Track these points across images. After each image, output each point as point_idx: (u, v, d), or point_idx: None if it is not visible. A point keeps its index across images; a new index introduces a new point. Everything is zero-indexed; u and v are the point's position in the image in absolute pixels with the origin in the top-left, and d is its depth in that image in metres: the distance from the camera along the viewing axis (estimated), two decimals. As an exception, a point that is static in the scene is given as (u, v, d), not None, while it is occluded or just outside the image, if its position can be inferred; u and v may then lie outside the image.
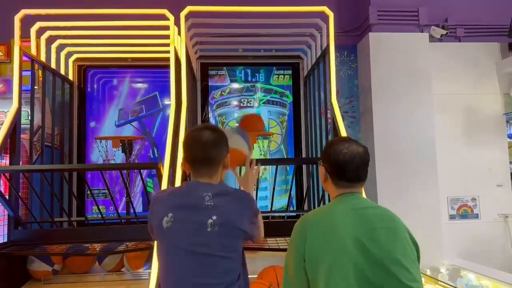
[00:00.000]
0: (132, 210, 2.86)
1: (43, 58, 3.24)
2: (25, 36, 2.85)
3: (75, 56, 3.85)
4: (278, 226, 2.29)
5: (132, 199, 3.57)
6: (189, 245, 1.37)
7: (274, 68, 4.18)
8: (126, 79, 4.06)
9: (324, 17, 2.97)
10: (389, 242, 1.28)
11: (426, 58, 3.92)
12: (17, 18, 2.79)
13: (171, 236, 1.39)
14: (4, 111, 3.56)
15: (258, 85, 4.17)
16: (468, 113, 4.14)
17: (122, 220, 2.75)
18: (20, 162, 2.79)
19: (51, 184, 2.69)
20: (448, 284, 3.02)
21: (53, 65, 3.41)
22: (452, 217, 4.01)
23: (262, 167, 2.98)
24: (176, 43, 2.96)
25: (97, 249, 2.64)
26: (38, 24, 3.09)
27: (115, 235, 2.62)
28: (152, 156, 4.00)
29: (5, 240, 2.60)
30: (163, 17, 2.91)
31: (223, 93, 4.13)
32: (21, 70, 2.77)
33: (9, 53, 3.85)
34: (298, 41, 3.81)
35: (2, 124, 2.92)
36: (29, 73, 2.91)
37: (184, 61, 2.89)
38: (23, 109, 2.84)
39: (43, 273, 2.66)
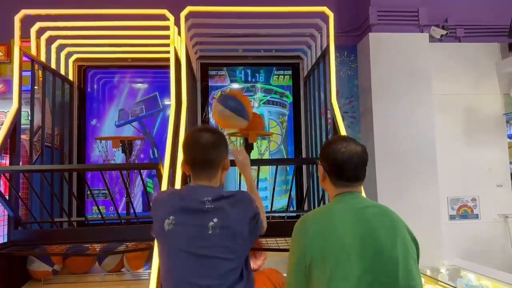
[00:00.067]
0: (132, 211, 2.86)
1: (43, 58, 3.24)
2: (25, 36, 2.85)
3: (75, 56, 3.85)
4: (278, 226, 2.28)
5: (132, 200, 3.57)
6: (190, 247, 1.37)
7: (274, 68, 4.18)
8: (126, 79, 4.06)
9: (324, 17, 2.97)
10: (389, 241, 1.28)
11: (426, 58, 3.92)
12: (17, 18, 2.79)
13: (173, 239, 1.39)
14: (4, 111, 3.57)
15: (258, 85, 4.17)
16: (468, 113, 4.14)
17: (122, 221, 2.75)
18: (20, 162, 2.78)
19: (51, 184, 2.69)
20: (448, 284, 3.02)
21: (53, 66, 3.41)
22: (452, 217, 4.02)
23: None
24: (176, 43, 2.96)
25: (97, 249, 2.64)
26: (38, 24, 3.09)
27: (115, 236, 2.62)
28: (152, 157, 4.00)
29: (5, 240, 2.60)
30: (163, 17, 2.91)
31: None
32: (21, 70, 2.77)
33: (9, 53, 3.85)
34: (298, 42, 3.81)
35: (2, 124, 2.92)
36: (29, 73, 2.91)
37: (184, 61, 2.89)
38: (23, 109, 2.84)
39: (43, 273, 2.66)
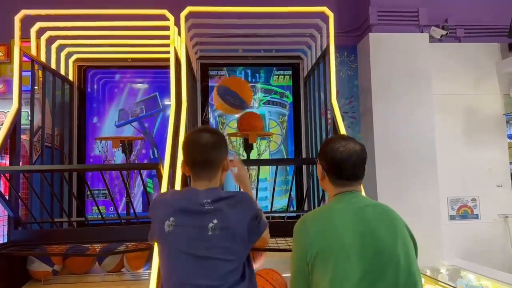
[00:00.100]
0: (132, 211, 2.86)
1: (43, 58, 3.24)
2: (25, 36, 2.85)
3: (75, 56, 3.84)
4: (278, 227, 2.27)
5: (132, 200, 3.56)
6: (190, 248, 1.37)
7: (274, 68, 4.18)
8: (126, 80, 4.06)
9: (324, 17, 2.97)
10: (389, 240, 1.28)
11: (426, 58, 3.92)
12: (17, 18, 2.78)
13: (173, 240, 1.39)
14: (4, 112, 3.57)
15: (258, 85, 4.17)
16: (468, 113, 4.14)
17: (122, 221, 2.75)
18: (20, 163, 2.78)
19: (51, 184, 2.69)
20: (448, 285, 3.02)
21: (53, 66, 3.41)
22: (452, 217, 4.02)
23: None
24: (176, 44, 2.96)
25: (97, 249, 2.64)
26: (38, 25, 3.09)
27: (115, 236, 2.62)
28: (152, 157, 4.00)
29: (5, 240, 2.60)
30: (163, 18, 2.90)
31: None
32: (21, 70, 2.77)
33: (9, 54, 3.85)
34: (298, 42, 3.81)
35: (2, 125, 2.92)
36: (29, 73, 2.90)
37: (184, 61, 2.89)
38: (23, 109, 2.84)
39: (43, 273, 2.65)
